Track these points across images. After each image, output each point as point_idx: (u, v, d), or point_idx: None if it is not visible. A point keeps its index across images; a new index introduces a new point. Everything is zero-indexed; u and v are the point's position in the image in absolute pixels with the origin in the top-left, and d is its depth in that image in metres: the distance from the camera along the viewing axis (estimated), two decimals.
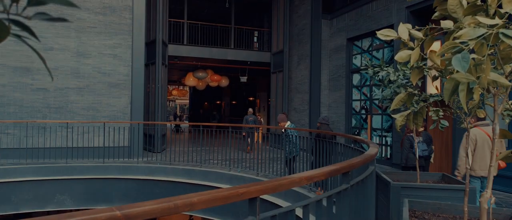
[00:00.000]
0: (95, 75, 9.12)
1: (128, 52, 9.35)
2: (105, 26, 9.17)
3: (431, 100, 3.19)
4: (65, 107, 8.89)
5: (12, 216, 7.75)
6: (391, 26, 8.48)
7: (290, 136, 6.70)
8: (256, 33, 18.09)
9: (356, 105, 10.40)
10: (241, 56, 14.24)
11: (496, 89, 1.67)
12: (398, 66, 4.18)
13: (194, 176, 7.70)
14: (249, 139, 11.01)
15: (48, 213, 7.85)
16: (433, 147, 6.21)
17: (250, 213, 1.47)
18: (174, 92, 26.19)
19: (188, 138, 15.44)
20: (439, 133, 7.70)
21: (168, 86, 21.67)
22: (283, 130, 7.02)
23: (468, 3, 1.60)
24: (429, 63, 2.26)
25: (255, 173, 7.33)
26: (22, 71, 8.54)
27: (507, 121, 2.36)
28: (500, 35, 1.23)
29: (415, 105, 2.46)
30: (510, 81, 1.61)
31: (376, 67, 4.51)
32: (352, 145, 4.97)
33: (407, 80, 4.23)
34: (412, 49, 1.72)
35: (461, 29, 1.44)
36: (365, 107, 10.07)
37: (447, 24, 1.57)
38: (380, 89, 4.72)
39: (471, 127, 3.01)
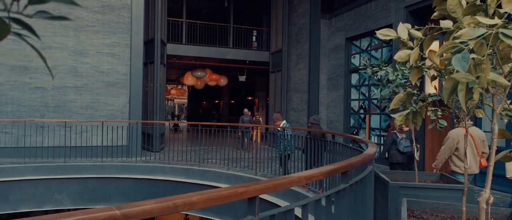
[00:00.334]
0: (93, 74, 9.10)
1: (127, 51, 9.33)
2: (104, 25, 9.15)
3: (430, 100, 3.19)
4: (63, 106, 8.87)
5: (8, 215, 7.73)
6: (390, 26, 8.49)
7: (285, 135, 6.74)
8: (255, 33, 18.08)
9: (355, 105, 10.42)
10: (239, 55, 14.23)
11: (495, 89, 1.67)
12: (396, 66, 4.19)
13: (192, 176, 7.69)
14: (245, 139, 11.02)
15: (46, 212, 7.83)
16: (417, 145, 6.27)
17: (249, 213, 1.46)
18: (173, 91, 26.16)
19: (187, 137, 15.43)
20: (437, 133, 7.72)
21: (167, 85, 21.63)
22: (278, 129, 7.07)
23: (467, 3, 1.60)
24: (428, 62, 2.27)
25: (254, 173, 7.33)
26: (20, 70, 8.51)
27: (506, 121, 2.36)
28: (500, 35, 1.23)
29: (414, 105, 2.46)
30: (509, 81, 1.62)
31: (375, 67, 4.52)
32: (351, 145, 4.98)
33: (405, 80, 4.23)
34: (412, 48, 1.72)
35: (460, 29, 1.44)
36: (364, 106, 10.08)
37: (446, 24, 1.57)
38: (379, 89, 4.72)
39: (469, 127, 3.06)
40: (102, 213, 0.96)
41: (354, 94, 10.44)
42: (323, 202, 1.95)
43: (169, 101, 36.46)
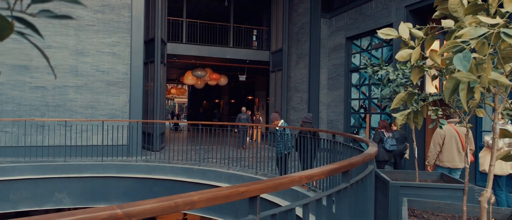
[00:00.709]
0: (93, 74, 9.10)
1: (127, 51, 9.33)
2: (104, 24, 9.15)
3: (431, 99, 3.19)
4: (63, 105, 8.87)
5: (9, 214, 7.73)
6: (390, 25, 8.48)
7: (284, 135, 6.76)
8: (255, 32, 18.08)
9: (355, 104, 10.41)
10: (240, 55, 14.22)
11: (496, 88, 1.67)
12: (397, 65, 4.19)
13: (192, 175, 7.70)
14: (247, 138, 11.11)
15: (46, 211, 7.83)
16: (407, 144, 6.93)
17: (251, 212, 1.46)
18: (173, 91, 26.16)
19: (187, 137, 15.44)
20: None
21: (167, 84, 21.64)
22: (276, 129, 7.09)
23: (468, 2, 1.60)
24: (429, 62, 2.26)
25: (254, 172, 7.34)
26: (20, 69, 8.51)
27: (507, 120, 2.36)
28: (502, 35, 1.23)
29: (415, 105, 2.46)
30: (510, 80, 1.61)
31: (375, 66, 4.51)
32: (351, 144, 4.98)
33: (406, 79, 4.23)
34: (413, 48, 1.71)
35: (462, 28, 1.44)
36: (364, 106, 10.08)
37: (448, 23, 1.57)
38: (379, 88, 4.72)
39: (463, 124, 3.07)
40: (104, 212, 0.96)
41: (355, 94, 10.43)
42: (324, 202, 1.95)
43: (169, 101, 36.47)
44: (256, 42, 18.48)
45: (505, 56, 1.48)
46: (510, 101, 1.98)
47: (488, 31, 1.28)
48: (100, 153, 8.22)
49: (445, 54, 1.50)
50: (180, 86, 27.67)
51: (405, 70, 4.15)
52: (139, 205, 1.04)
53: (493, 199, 1.83)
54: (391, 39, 8.60)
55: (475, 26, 1.32)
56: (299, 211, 2.38)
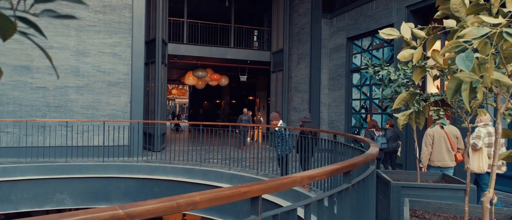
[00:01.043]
0: (94, 74, 9.11)
1: (128, 51, 9.33)
2: (105, 25, 9.16)
3: (432, 99, 3.18)
4: (64, 106, 8.88)
5: (15, 214, 7.74)
6: (391, 25, 8.47)
7: (284, 135, 6.75)
8: (256, 32, 18.08)
9: (356, 105, 10.40)
10: (241, 55, 14.23)
11: (499, 88, 1.67)
12: (398, 65, 4.18)
13: (194, 175, 7.69)
14: (248, 138, 11.15)
15: (47, 212, 7.84)
16: (399, 142, 7.30)
17: (252, 212, 1.46)
18: (174, 91, 26.17)
19: (188, 137, 15.44)
20: None
21: (168, 85, 21.65)
22: (276, 129, 7.09)
23: (470, 2, 1.60)
24: (430, 62, 2.26)
25: (255, 173, 7.33)
26: (21, 70, 8.52)
27: (508, 120, 2.36)
28: (504, 34, 1.23)
29: (417, 105, 2.45)
30: None
31: (376, 66, 4.50)
32: (352, 145, 4.97)
33: (407, 80, 4.22)
34: (415, 48, 1.71)
35: (464, 28, 1.44)
36: (365, 106, 10.07)
37: (450, 23, 1.56)
38: (380, 89, 4.71)
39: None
40: (106, 212, 0.96)
41: (355, 94, 10.42)
42: (326, 202, 1.95)
43: (170, 101, 36.49)
44: (257, 43, 18.49)
45: (508, 56, 1.48)
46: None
47: (491, 31, 1.27)
48: (101, 153, 8.23)
49: (447, 54, 1.50)
50: (181, 87, 27.67)
51: (406, 70, 4.14)
52: (141, 206, 1.04)
53: (495, 199, 1.83)
54: (392, 39, 8.58)
55: (478, 26, 1.31)
56: (300, 212, 2.37)
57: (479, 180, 5.00)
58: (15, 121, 8.31)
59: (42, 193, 7.46)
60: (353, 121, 10.52)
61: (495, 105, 1.79)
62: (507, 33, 1.25)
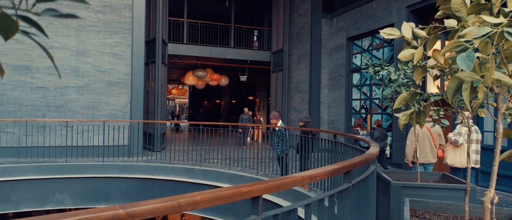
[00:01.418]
0: (94, 74, 9.11)
1: (128, 51, 9.33)
2: (105, 25, 9.15)
3: (432, 99, 3.18)
4: (64, 105, 8.88)
5: (15, 214, 7.75)
6: (391, 25, 8.47)
7: (284, 135, 6.76)
8: (256, 32, 18.07)
9: (356, 105, 10.40)
10: (241, 55, 14.22)
11: (499, 88, 1.67)
12: (398, 65, 4.18)
13: (194, 175, 7.69)
14: (248, 137, 11.20)
15: (48, 212, 7.84)
16: (387, 141, 7.48)
17: (253, 212, 1.46)
18: (174, 91, 26.16)
19: (188, 137, 15.45)
20: None
21: (168, 85, 21.64)
22: (276, 128, 7.08)
23: (471, 2, 1.60)
24: (431, 62, 2.26)
25: (255, 172, 7.33)
26: (21, 70, 8.52)
27: (509, 120, 2.36)
28: (505, 34, 1.23)
29: (417, 105, 2.45)
30: None
31: (377, 66, 4.50)
32: (352, 145, 4.97)
33: (408, 79, 4.22)
34: (415, 48, 1.71)
35: (465, 28, 1.44)
36: (365, 106, 10.07)
37: (451, 23, 1.56)
38: (381, 89, 4.71)
39: (463, 124, 3.14)
40: (107, 212, 0.96)
41: (355, 94, 10.42)
42: (326, 202, 1.95)
43: (170, 101, 36.48)
44: (257, 43, 18.48)
45: (508, 55, 1.48)
46: None
47: (492, 31, 1.27)
48: (101, 153, 8.23)
49: (448, 53, 1.50)
50: (181, 87, 27.66)
51: (406, 70, 4.14)
52: (142, 205, 1.04)
53: (496, 199, 1.83)
54: (392, 39, 8.59)
55: (479, 26, 1.31)
56: (300, 212, 2.37)
57: (460, 174, 5.26)
58: (15, 121, 8.30)
59: (42, 193, 7.45)
60: (353, 121, 10.52)
61: (495, 104, 1.79)
62: (508, 32, 1.25)
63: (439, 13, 1.84)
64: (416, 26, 1.84)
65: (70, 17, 0.54)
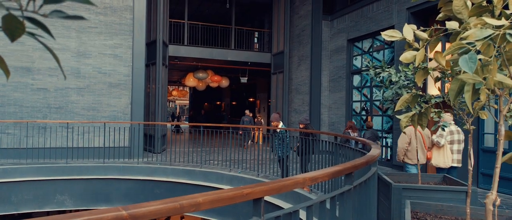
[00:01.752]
0: (95, 75, 9.12)
1: (129, 52, 9.34)
2: (106, 26, 9.17)
3: (433, 101, 3.19)
4: (65, 107, 8.89)
5: (15, 215, 7.74)
6: (392, 27, 8.48)
7: (284, 137, 6.75)
8: (256, 34, 18.09)
9: (357, 106, 10.40)
10: (241, 57, 14.24)
11: (501, 90, 1.67)
12: (399, 67, 4.18)
13: (194, 177, 7.68)
14: (249, 139, 11.24)
15: (48, 213, 7.83)
16: (378, 142, 7.62)
17: (255, 214, 1.46)
18: (174, 93, 26.18)
19: (188, 138, 15.45)
20: None
21: (168, 86, 21.66)
22: (278, 130, 7.06)
23: (473, 4, 1.60)
24: (432, 64, 2.26)
25: (256, 174, 7.32)
26: (22, 71, 8.53)
27: (510, 122, 2.36)
28: (507, 36, 1.23)
29: (418, 107, 2.45)
30: None
31: (377, 68, 4.51)
32: (353, 146, 4.97)
33: (408, 81, 4.22)
34: (417, 50, 1.71)
35: (466, 30, 1.44)
36: (366, 108, 10.07)
37: (452, 25, 1.56)
38: (381, 90, 4.71)
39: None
40: (109, 213, 0.95)
41: (356, 96, 10.42)
42: (328, 204, 1.94)
43: (171, 103, 36.49)
44: (258, 44, 18.49)
45: (510, 57, 1.48)
46: None
47: (494, 33, 1.27)
48: (102, 155, 8.23)
49: (450, 55, 1.50)
50: (181, 88, 27.68)
51: (407, 72, 4.14)
52: (145, 207, 1.04)
53: (498, 201, 1.82)
54: (392, 41, 8.59)
55: (480, 28, 1.31)
56: (302, 214, 2.37)
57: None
58: (16, 122, 8.31)
59: (43, 194, 7.45)
60: (354, 123, 10.51)
61: (497, 106, 1.79)
62: (510, 34, 1.26)
63: (440, 15, 1.84)
64: (417, 28, 1.84)
65: (76, 19, 0.55)
